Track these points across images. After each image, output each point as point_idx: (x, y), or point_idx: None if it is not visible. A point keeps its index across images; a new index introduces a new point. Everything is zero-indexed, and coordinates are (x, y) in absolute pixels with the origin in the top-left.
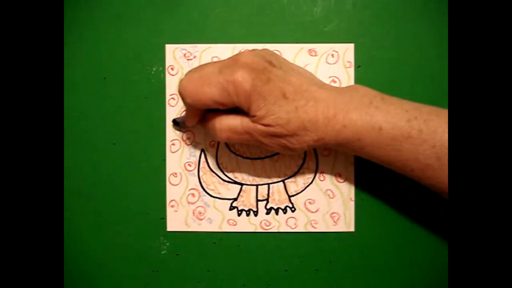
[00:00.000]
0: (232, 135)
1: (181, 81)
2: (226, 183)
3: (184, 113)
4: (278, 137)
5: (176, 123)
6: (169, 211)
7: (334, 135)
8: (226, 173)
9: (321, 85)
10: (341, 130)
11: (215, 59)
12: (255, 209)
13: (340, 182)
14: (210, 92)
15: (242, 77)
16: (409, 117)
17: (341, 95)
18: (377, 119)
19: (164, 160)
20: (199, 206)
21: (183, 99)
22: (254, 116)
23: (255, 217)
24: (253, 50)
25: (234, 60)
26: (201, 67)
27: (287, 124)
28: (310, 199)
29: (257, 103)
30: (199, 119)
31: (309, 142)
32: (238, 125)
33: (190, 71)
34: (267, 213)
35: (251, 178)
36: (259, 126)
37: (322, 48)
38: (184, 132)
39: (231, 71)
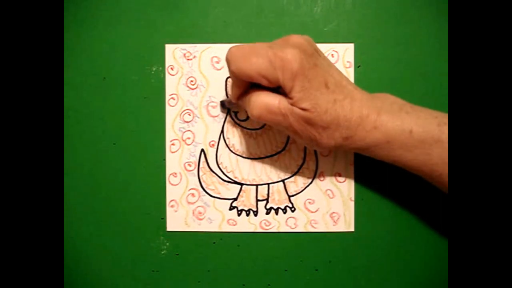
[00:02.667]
0: (266, 113)
1: (230, 48)
2: (226, 183)
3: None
4: (311, 126)
5: (223, 104)
6: (169, 211)
7: (364, 135)
8: (226, 173)
9: (355, 87)
10: (371, 131)
11: (215, 59)
12: (255, 209)
13: (340, 182)
14: (257, 63)
15: (292, 55)
16: (439, 122)
17: (373, 98)
18: (408, 123)
19: (164, 160)
20: (199, 206)
21: (228, 65)
22: (294, 97)
23: (255, 217)
24: (302, 36)
25: (284, 40)
26: (250, 44)
27: (324, 114)
28: (310, 199)
29: (301, 84)
30: (241, 92)
31: (338, 139)
32: (275, 105)
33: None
34: (267, 213)
35: (251, 178)
36: (297, 109)
37: (322, 48)
38: (232, 110)
39: (282, 48)
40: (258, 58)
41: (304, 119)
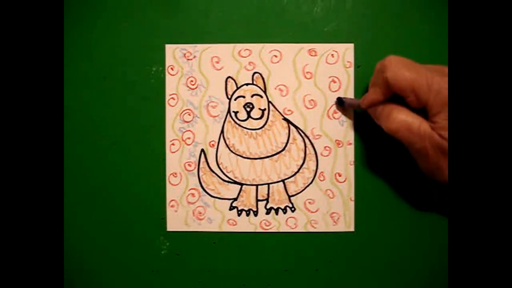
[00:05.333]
0: (404, 130)
1: (389, 56)
2: (226, 183)
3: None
4: (444, 156)
5: (341, 102)
6: (169, 211)
7: None
8: (226, 173)
9: None
10: None
11: (215, 59)
12: (255, 209)
13: (340, 182)
14: (414, 78)
15: None
16: None
17: None
18: None
19: (164, 160)
20: (199, 206)
21: (383, 71)
22: (437, 123)
23: (255, 217)
24: None
25: (441, 68)
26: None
27: None
28: (310, 199)
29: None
30: (379, 100)
31: None
32: (416, 125)
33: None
34: (267, 213)
35: (251, 178)
36: (436, 136)
37: (322, 48)
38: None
39: (440, 75)
40: (417, 74)
41: (439, 147)
